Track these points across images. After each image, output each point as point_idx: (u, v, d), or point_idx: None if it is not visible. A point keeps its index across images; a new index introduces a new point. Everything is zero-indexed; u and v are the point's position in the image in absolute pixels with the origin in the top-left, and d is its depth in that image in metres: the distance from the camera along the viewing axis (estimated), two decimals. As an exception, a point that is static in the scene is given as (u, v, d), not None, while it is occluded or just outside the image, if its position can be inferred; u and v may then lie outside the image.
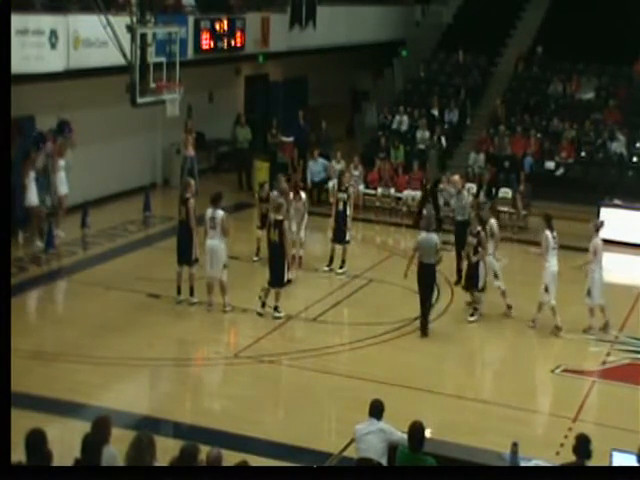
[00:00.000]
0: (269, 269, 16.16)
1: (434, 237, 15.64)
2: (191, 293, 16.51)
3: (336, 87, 33.39)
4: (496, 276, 16.92)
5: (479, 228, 16.30)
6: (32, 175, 18.85)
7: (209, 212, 16.17)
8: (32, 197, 18.90)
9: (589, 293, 15.98)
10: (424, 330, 15.69)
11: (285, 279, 16.14)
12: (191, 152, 24.56)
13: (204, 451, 8.06)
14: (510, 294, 18.90)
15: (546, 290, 15.92)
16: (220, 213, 16.16)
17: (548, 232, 16.03)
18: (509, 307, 16.92)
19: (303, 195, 19.02)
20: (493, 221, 17.20)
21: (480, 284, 16.34)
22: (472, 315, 16.50)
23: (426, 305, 15.75)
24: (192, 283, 16.49)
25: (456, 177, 19.30)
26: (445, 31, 32.40)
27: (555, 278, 15.93)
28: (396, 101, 29.31)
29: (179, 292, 16.51)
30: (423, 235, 15.74)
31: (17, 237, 19.14)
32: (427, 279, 15.67)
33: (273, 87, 30.70)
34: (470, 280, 16.50)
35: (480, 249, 16.21)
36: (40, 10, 18.34)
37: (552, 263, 15.92)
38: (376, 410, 9.56)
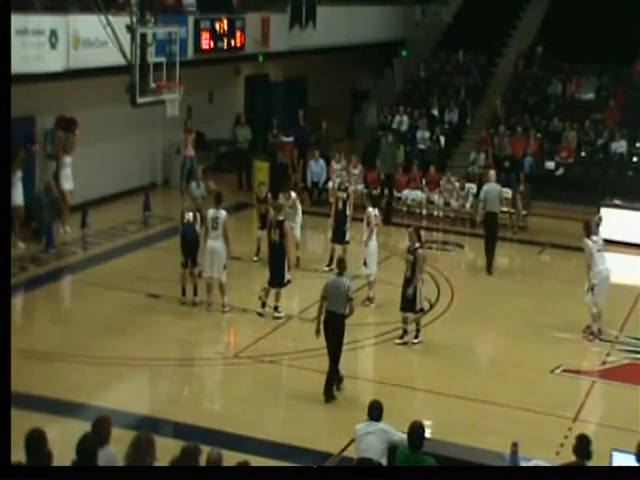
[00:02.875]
0: (269, 269, 16.17)
1: (345, 281, 13.14)
2: (194, 293, 16.53)
3: (336, 87, 33.39)
4: (365, 264, 16.86)
5: (417, 245, 15.07)
6: (19, 174, 18.79)
7: (211, 212, 16.17)
8: (17, 197, 18.81)
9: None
10: (329, 393, 13.14)
11: (285, 279, 16.14)
12: (191, 152, 24.57)
13: (204, 451, 8.06)
14: (511, 293, 18.94)
15: (592, 290, 15.64)
16: (223, 213, 16.19)
17: (587, 240, 15.72)
18: (369, 299, 17.00)
19: (293, 194, 19.05)
20: (370, 210, 17.24)
21: (417, 306, 15.19)
22: (416, 336, 15.35)
23: (334, 363, 13.22)
24: (195, 282, 16.52)
25: (492, 172, 20.37)
26: (445, 31, 32.45)
27: (606, 283, 15.75)
28: (396, 101, 29.32)
29: (184, 293, 16.52)
30: (332, 279, 13.43)
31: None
32: (336, 332, 13.07)
33: (273, 87, 30.70)
34: (405, 301, 15.14)
35: (417, 269, 14.95)
36: (40, 10, 18.33)
37: (601, 268, 15.68)
38: (375, 411, 9.55)
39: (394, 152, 24.44)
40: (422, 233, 15.76)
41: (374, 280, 17.13)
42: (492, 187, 19.85)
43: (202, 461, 7.94)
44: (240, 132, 26.28)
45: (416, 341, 15.36)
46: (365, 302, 16.97)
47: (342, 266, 13.47)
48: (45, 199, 19.75)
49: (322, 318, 13.16)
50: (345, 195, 18.73)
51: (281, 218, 16.23)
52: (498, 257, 21.55)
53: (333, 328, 13.14)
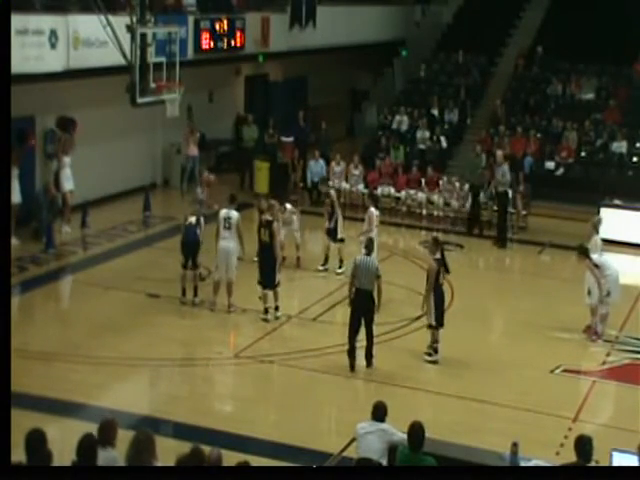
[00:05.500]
0: (259, 269, 16.10)
1: (374, 260, 14.23)
2: (195, 293, 16.53)
3: (336, 87, 33.40)
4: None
5: (437, 255, 14.55)
6: (15, 172, 18.74)
7: (224, 212, 16.18)
8: (13, 195, 18.71)
9: (589, 292, 15.92)
10: (369, 361, 14.22)
11: (276, 280, 16.06)
12: (194, 152, 24.61)
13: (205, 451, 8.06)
14: (511, 293, 18.92)
15: (608, 294, 15.69)
16: (235, 214, 16.19)
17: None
18: None
19: (289, 206, 19.01)
20: (373, 209, 17.28)
21: (427, 320, 14.71)
22: (429, 354, 14.70)
23: (352, 336, 14.10)
24: (196, 284, 16.51)
25: (500, 152, 22.07)
26: (445, 31, 32.44)
27: (617, 283, 15.83)
28: (396, 101, 29.32)
29: (184, 293, 16.52)
30: (361, 258, 14.30)
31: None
32: (366, 308, 14.03)
33: (273, 87, 30.70)
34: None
35: (441, 277, 14.45)
36: (40, 10, 18.34)
37: (612, 269, 15.77)
38: (379, 413, 9.57)
39: (479, 162, 23.51)
40: (441, 241, 15.22)
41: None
42: (503, 169, 21.70)
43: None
44: (247, 132, 26.21)
45: (429, 358, 14.69)
46: None
47: (370, 246, 14.36)
48: (43, 199, 19.76)
49: (352, 296, 14.15)
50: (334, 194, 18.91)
51: (270, 218, 16.20)
52: (497, 257, 21.63)
53: (362, 305, 14.02)
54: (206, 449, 8.07)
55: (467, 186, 23.46)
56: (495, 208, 22.39)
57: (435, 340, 14.65)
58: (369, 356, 14.27)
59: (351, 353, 14.15)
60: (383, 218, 23.25)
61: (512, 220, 22.86)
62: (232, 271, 16.15)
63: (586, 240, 16.57)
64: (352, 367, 14.12)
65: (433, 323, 14.56)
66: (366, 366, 14.25)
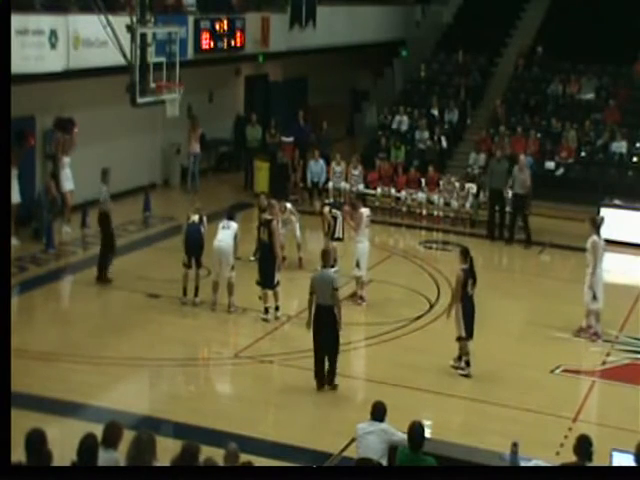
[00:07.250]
0: (259, 269, 16.10)
1: (330, 274, 13.58)
2: (196, 293, 16.53)
3: (336, 87, 33.38)
4: (358, 265, 16.72)
5: (464, 265, 14.02)
6: (14, 172, 18.72)
7: (224, 222, 16.24)
8: (13, 195, 18.76)
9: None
10: (321, 381, 13.45)
11: (275, 280, 16.04)
12: (196, 149, 24.62)
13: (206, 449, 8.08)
14: (511, 293, 18.93)
15: (594, 297, 15.63)
16: (235, 224, 16.26)
17: (596, 238, 15.63)
18: (361, 298, 16.78)
19: (289, 205, 19.01)
20: (363, 210, 17.20)
21: (457, 332, 14.06)
22: (462, 368, 14.17)
23: (333, 355, 13.40)
24: (198, 283, 16.51)
25: (522, 157, 22.15)
26: (445, 31, 32.42)
27: (602, 283, 15.71)
28: (396, 101, 29.31)
29: (185, 293, 16.52)
30: (317, 273, 13.73)
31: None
32: (327, 324, 13.25)
33: (273, 87, 30.69)
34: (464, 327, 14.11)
35: (469, 287, 13.92)
36: (40, 10, 18.34)
37: (598, 270, 15.63)
38: (378, 412, 9.56)
39: (503, 168, 22.60)
40: (471, 254, 14.26)
41: (365, 280, 17.05)
42: (526, 173, 21.68)
43: (206, 460, 7.98)
44: (251, 132, 26.18)
45: (461, 372, 14.16)
46: (358, 301, 16.88)
47: (326, 258, 13.73)
48: (44, 199, 19.75)
49: (313, 312, 13.37)
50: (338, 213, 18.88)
51: (269, 217, 16.20)
52: (497, 257, 21.63)
53: (324, 320, 13.26)
54: (207, 449, 8.11)
55: (470, 188, 23.45)
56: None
57: (466, 352, 14.10)
58: (331, 375, 13.44)
59: (318, 374, 13.44)
60: (383, 218, 23.39)
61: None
62: (228, 270, 16.12)
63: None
64: (319, 387, 13.44)
65: (463, 334, 14.06)
66: (327, 384, 13.46)
